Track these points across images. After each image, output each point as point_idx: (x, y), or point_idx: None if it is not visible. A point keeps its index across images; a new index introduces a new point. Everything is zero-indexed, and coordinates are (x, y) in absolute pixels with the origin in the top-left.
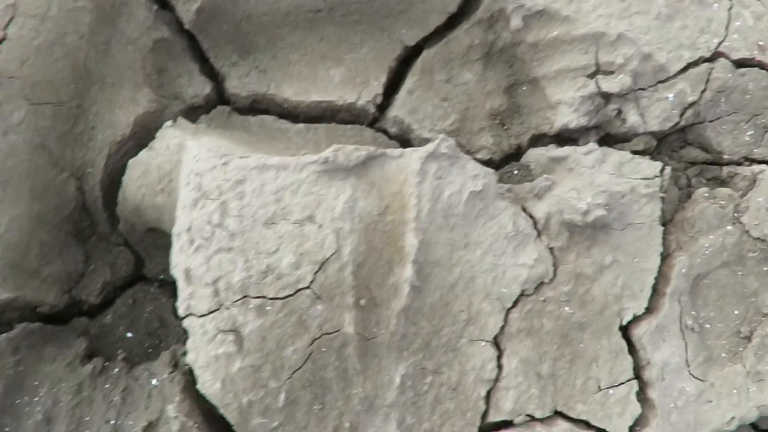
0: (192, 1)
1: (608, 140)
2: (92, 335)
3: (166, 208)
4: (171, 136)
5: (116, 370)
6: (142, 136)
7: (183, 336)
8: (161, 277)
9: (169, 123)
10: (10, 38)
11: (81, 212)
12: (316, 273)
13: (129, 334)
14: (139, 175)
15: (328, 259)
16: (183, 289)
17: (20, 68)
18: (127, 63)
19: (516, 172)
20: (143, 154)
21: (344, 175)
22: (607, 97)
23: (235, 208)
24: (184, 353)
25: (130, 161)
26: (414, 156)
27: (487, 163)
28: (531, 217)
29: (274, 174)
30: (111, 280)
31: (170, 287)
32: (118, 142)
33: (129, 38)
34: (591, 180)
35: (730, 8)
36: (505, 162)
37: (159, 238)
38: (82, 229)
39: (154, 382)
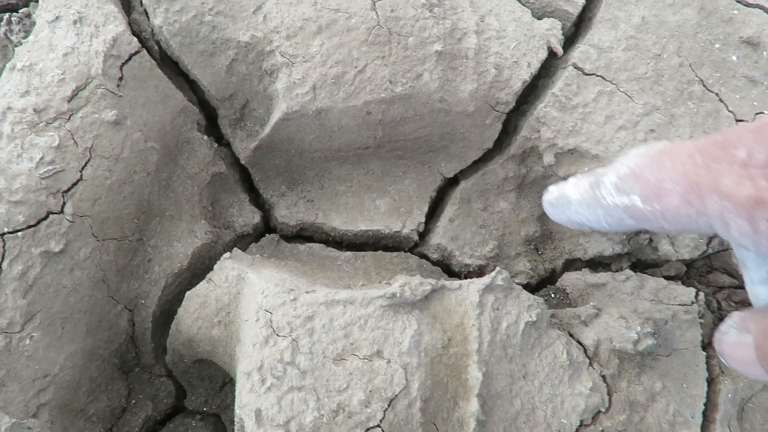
0: (250, 140)
1: (639, 265)
2: None
3: (221, 340)
4: (229, 267)
5: None
6: (198, 267)
7: None
8: (203, 409)
9: (227, 255)
10: (85, 179)
11: (129, 344)
12: (385, 410)
13: None
14: (197, 307)
15: (397, 395)
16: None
17: (92, 207)
18: (186, 197)
19: (553, 295)
20: (202, 286)
21: (408, 309)
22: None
23: (305, 345)
24: None
25: (188, 293)
26: (472, 288)
27: (525, 287)
28: (581, 344)
29: (342, 309)
30: (152, 414)
31: (211, 419)
32: (175, 273)
33: (189, 173)
34: (634, 307)
35: None
36: (542, 286)
37: (204, 369)
38: (127, 361)
39: None
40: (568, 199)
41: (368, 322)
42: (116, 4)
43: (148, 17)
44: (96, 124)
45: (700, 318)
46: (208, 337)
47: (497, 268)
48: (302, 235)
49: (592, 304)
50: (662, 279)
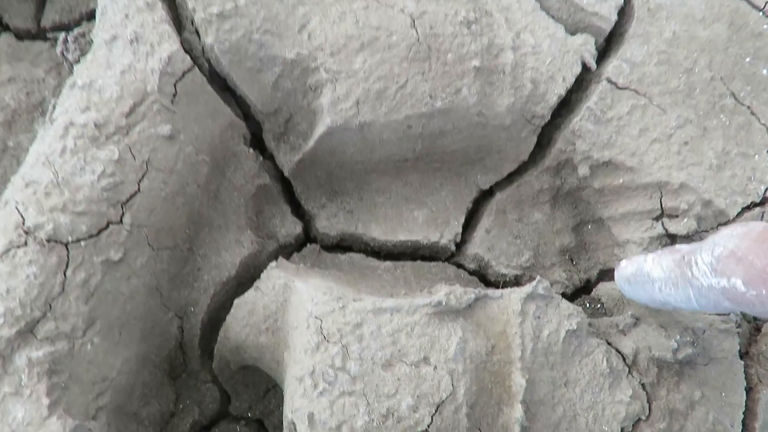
0: (294, 153)
1: None
2: None
3: (268, 347)
4: (276, 276)
5: None
6: (244, 276)
7: None
8: (248, 414)
9: (273, 264)
10: (142, 191)
11: (178, 350)
12: (433, 415)
13: None
14: (245, 314)
15: (444, 401)
16: None
17: (148, 217)
18: (233, 208)
19: (588, 305)
20: (250, 294)
21: (454, 317)
22: (673, 237)
23: (355, 351)
24: None
25: (237, 301)
26: (514, 297)
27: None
28: (619, 353)
29: (389, 316)
30: (198, 419)
31: (255, 425)
32: (223, 282)
33: (235, 185)
34: (671, 316)
35: None
36: (576, 295)
37: (249, 375)
38: (175, 367)
39: None
40: (650, 277)
41: (415, 329)
42: (170, 23)
43: (198, 36)
44: (152, 138)
45: (737, 327)
46: (255, 344)
47: (538, 278)
48: (343, 245)
49: (630, 313)
50: None
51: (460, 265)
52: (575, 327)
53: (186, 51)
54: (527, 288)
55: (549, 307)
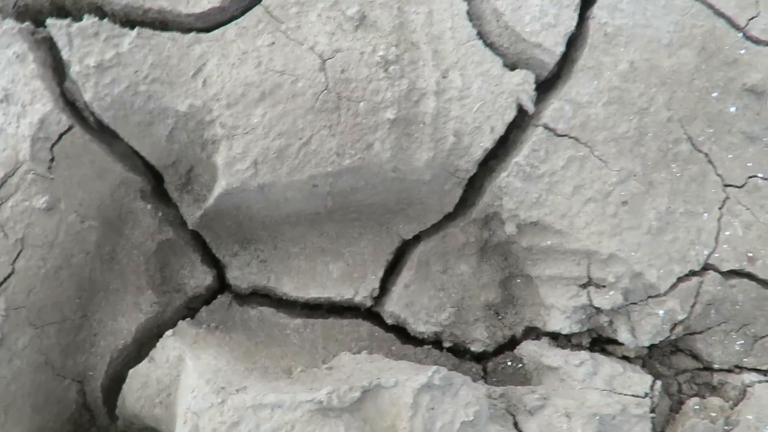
0: (196, 205)
1: (601, 340)
2: None
3: (163, 420)
4: (171, 347)
5: None
6: (143, 341)
7: None
8: None
9: (170, 332)
10: (18, 272)
11: (82, 410)
12: None
13: None
14: (139, 386)
15: None
16: None
17: (27, 298)
18: (132, 267)
19: (509, 363)
20: (143, 365)
21: (338, 413)
22: (598, 309)
23: None
24: None
25: (131, 371)
26: (408, 387)
27: (482, 354)
28: None
29: (269, 413)
30: None
31: None
32: (120, 349)
33: (134, 243)
34: (582, 399)
35: (719, 218)
36: (499, 351)
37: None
38: (82, 424)
39: None
40: None
41: (295, 427)
42: (44, 77)
43: None
44: (27, 212)
45: (652, 412)
46: (151, 415)
47: (435, 367)
48: (257, 294)
49: (538, 394)
50: (618, 364)
51: (379, 317)
52: (472, 417)
53: (68, 102)
54: (422, 378)
55: (445, 396)
